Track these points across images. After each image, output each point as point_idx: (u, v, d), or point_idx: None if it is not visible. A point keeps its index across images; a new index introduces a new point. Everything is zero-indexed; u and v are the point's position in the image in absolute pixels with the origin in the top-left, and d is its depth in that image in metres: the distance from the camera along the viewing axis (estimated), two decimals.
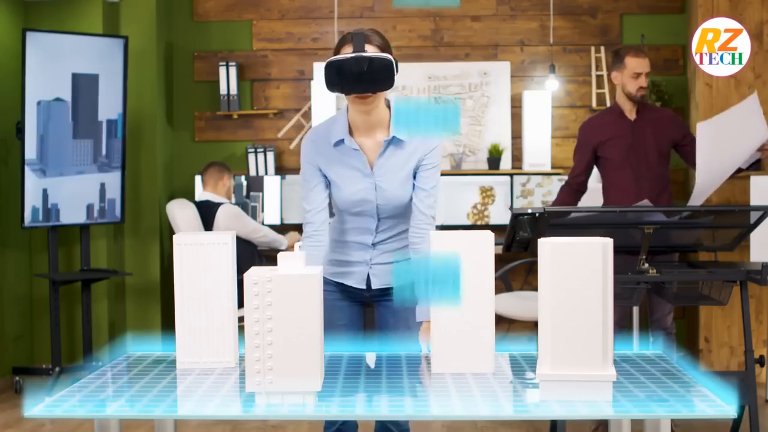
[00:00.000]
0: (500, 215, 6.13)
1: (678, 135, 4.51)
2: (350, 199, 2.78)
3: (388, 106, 2.76)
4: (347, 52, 2.60)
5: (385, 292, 2.89)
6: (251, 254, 5.47)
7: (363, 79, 2.56)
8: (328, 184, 2.81)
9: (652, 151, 4.44)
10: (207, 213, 5.52)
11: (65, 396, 1.91)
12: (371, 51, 2.60)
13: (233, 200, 5.82)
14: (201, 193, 5.70)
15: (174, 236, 2.20)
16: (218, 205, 5.50)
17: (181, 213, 5.56)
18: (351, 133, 2.76)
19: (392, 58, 2.59)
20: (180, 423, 2.73)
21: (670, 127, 4.51)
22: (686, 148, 4.52)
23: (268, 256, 5.68)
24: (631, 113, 4.48)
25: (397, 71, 2.62)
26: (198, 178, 6.25)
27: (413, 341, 2.71)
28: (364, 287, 2.89)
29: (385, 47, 2.66)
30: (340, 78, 2.57)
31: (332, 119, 2.83)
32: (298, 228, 5.98)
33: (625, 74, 4.47)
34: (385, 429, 2.95)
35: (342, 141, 2.74)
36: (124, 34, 5.95)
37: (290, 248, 3.06)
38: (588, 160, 4.52)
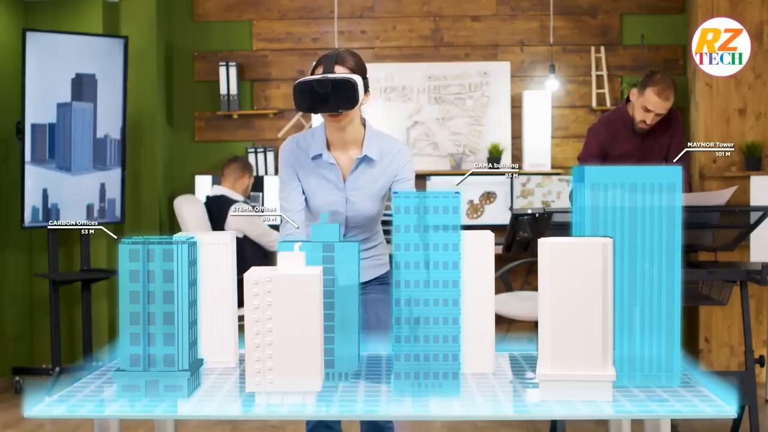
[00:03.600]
0: (500, 215, 6.13)
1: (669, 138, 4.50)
2: (322, 208, 2.92)
3: (364, 125, 2.93)
4: (319, 73, 2.77)
5: None
6: (261, 254, 5.43)
7: (327, 99, 2.72)
8: None
9: (657, 164, 4.40)
10: (219, 210, 5.39)
11: (65, 396, 1.91)
12: (341, 72, 2.77)
13: (249, 199, 5.74)
14: (216, 188, 5.58)
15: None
16: (233, 202, 5.38)
17: (188, 209, 5.49)
18: (328, 148, 2.92)
19: (356, 79, 2.75)
20: (180, 423, 2.73)
21: (668, 131, 4.48)
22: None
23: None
24: (641, 129, 4.45)
25: (366, 90, 2.83)
26: (198, 178, 6.25)
27: (385, 336, 2.80)
28: None
29: (356, 68, 2.81)
30: (306, 98, 2.73)
31: (311, 132, 2.98)
32: None
33: (639, 101, 4.37)
34: (378, 427, 3.04)
35: (320, 155, 2.91)
36: (124, 34, 5.96)
37: None
38: (599, 162, 4.51)
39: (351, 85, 2.72)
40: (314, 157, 2.91)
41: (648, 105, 4.33)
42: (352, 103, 2.75)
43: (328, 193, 2.93)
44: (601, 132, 4.52)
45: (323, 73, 2.76)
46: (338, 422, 3.10)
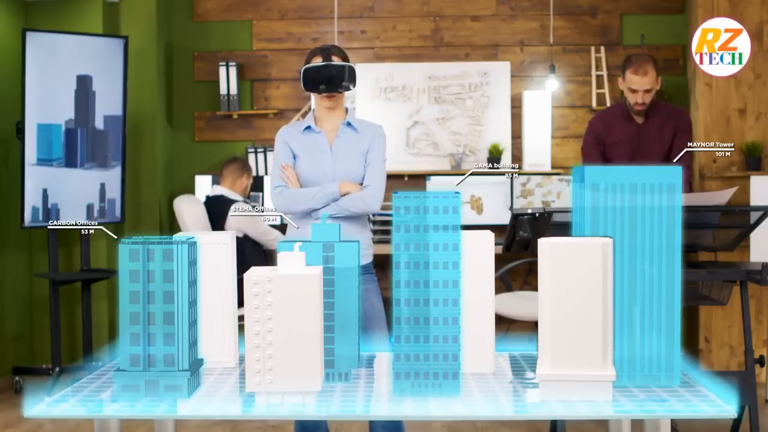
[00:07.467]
0: (499, 215, 6.12)
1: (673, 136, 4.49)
2: (312, 170, 3.32)
3: (346, 111, 3.41)
4: (318, 62, 3.28)
5: None
6: (261, 254, 5.42)
7: (331, 81, 3.26)
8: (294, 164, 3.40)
9: (657, 155, 4.41)
10: (218, 210, 5.38)
11: (65, 396, 1.91)
12: (336, 61, 3.29)
13: (249, 199, 5.74)
14: (215, 188, 5.58)
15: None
16: (232, 202, 5.37)
17: (188, 209, 5.48)
18: (316, 123, 3.39)
19: (353, 66, 3.31)
20: (180, 423, 2.73)
21: (672, 128, 4.48)
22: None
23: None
24: (638, 117, 4.46)
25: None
26: (198, 178, 6.25)
27: (377, 319, 3.26)
28: None
29: (346, 58, 3.35)
30: (315, 80, 3.26)
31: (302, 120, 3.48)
32: None
33: (624, 86, 4.44)
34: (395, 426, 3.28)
35: (309, 127, 3.37)
36: (124, 34, 5.95)
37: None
38: (600, 153, 4.55)
39: (351, 70, 3.28)
40: (304, 130, 3.36)
41: (631, 85, 4.39)
42: (351, 85, 3.29)
43: (317, 156, 3.33)
44: (597, 123, 4.62)
45: (323, 61, 3.27)
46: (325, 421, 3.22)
